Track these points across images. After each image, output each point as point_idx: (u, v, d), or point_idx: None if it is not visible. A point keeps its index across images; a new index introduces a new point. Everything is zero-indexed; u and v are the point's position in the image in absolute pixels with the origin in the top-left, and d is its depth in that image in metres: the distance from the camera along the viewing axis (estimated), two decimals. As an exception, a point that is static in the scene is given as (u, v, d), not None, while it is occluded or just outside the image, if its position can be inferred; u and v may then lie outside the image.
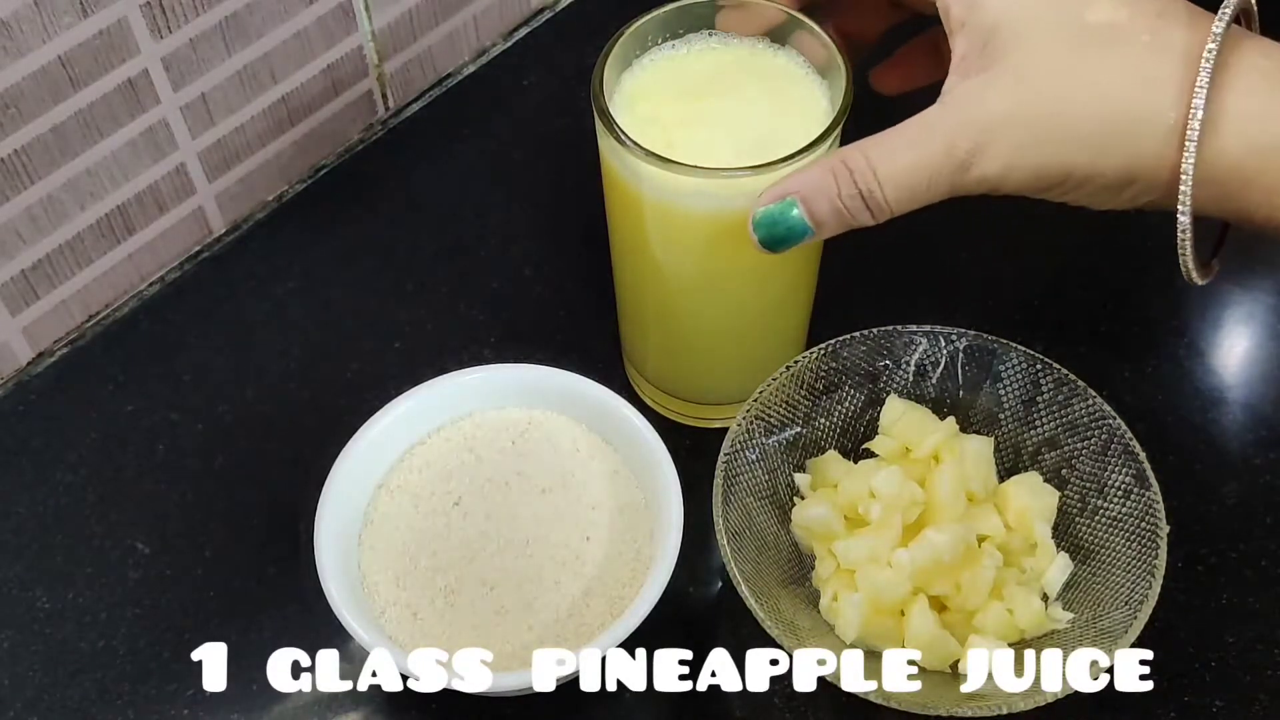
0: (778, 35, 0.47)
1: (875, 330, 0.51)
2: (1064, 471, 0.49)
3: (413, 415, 0.49)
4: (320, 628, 0.47)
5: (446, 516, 0.48)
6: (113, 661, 0.48)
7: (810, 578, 0.48)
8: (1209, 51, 0.37)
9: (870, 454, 0.51)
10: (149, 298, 0.59)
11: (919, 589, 0.46)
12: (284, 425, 0.54)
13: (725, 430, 0.48)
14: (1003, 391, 0.51)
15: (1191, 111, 0.37)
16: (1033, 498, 0.48)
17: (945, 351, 0.51)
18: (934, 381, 0.52)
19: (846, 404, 0.52)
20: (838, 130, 0.44)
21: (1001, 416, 0.51)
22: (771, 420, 0.50)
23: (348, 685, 0.47)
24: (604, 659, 0.43)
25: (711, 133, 0.45)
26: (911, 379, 0.52)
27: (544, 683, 0.43)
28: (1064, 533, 0.49)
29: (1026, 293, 0.51)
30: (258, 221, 0.61)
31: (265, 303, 0.58)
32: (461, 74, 0.67)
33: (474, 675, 0.43)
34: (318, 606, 0.44)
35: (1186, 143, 0.38)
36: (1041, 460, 0.50)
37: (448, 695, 0.45)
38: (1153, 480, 0.47)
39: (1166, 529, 0.45)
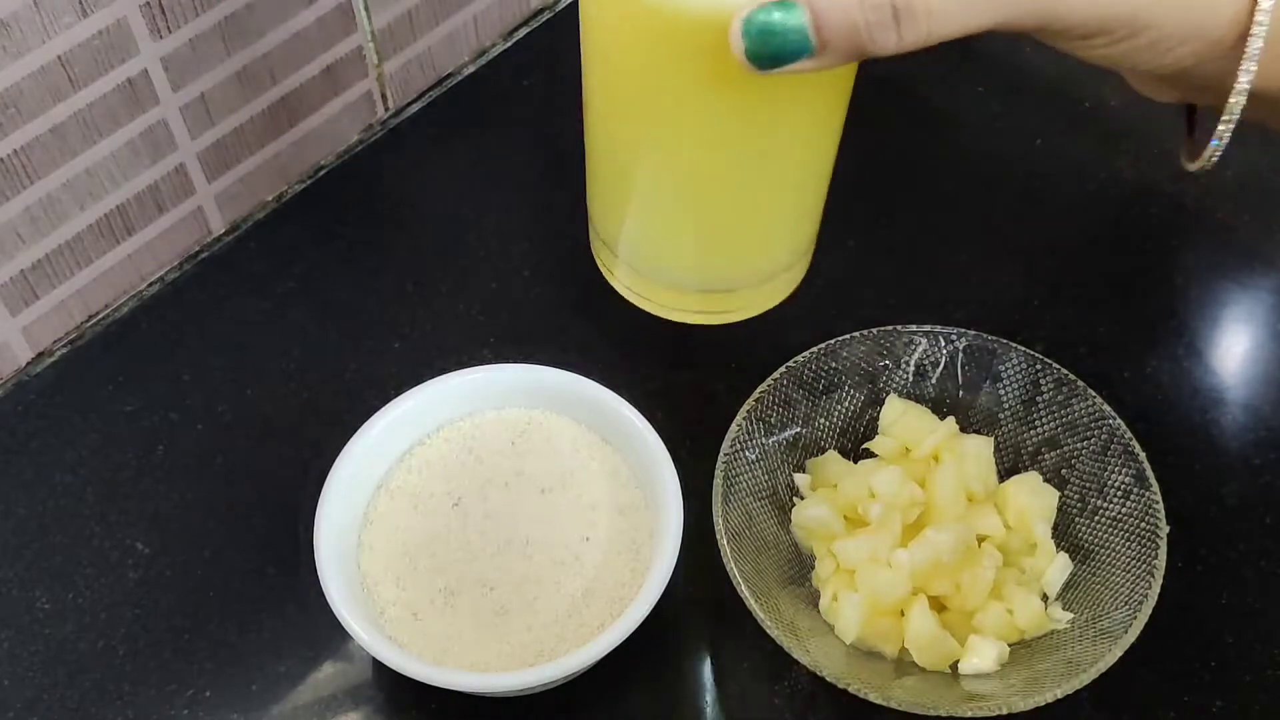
0: None
1: (875, 330, 0.51)
2: (1064, 471, 0.49)
3: (412, 415, 0.49)
4: (320, 628, 0.47)
5: (446, 517, 0.48)
6: (112, 662, 0.48)
7: (810, 578, 0.48)
8: None
9: (870, 454, 0.51)
10: (148, 298, 0.59)
11: (919, 589, 0.46)
12: (284, 425, 0.54)
13: (714, 326, 0.44)
14: (1002, 391, 0.51)
15: None
16: (1032, 498, 0.49)
17: (945, 351, 0.51)
18: (934, 381, 0.52)
19: (846, 404, 0.52)
20: None
21: (1001, 416, 0.51)
22: (771, 420, 0.50)
23: (347, 685, 0.47)
24: (604, 659, 0.43)
25: None
26: (911, 379, 0.52)
27: (544, 683, 0.43)
28: (1064, 533, 0.49)
29: (1026, 293, 0.51)
30: (257, 222, 0.61)
31: (265, 303, 0.58)
32: (461, 74, 0.67)
33: (473, 676, 0.43)
34: (317, 606, 0.44)
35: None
36: (1041, 460, 0.50)
37: (447, 695, 0.45)
38: (1152, 480, 0.47)
39: (1166, 529, 0.45)
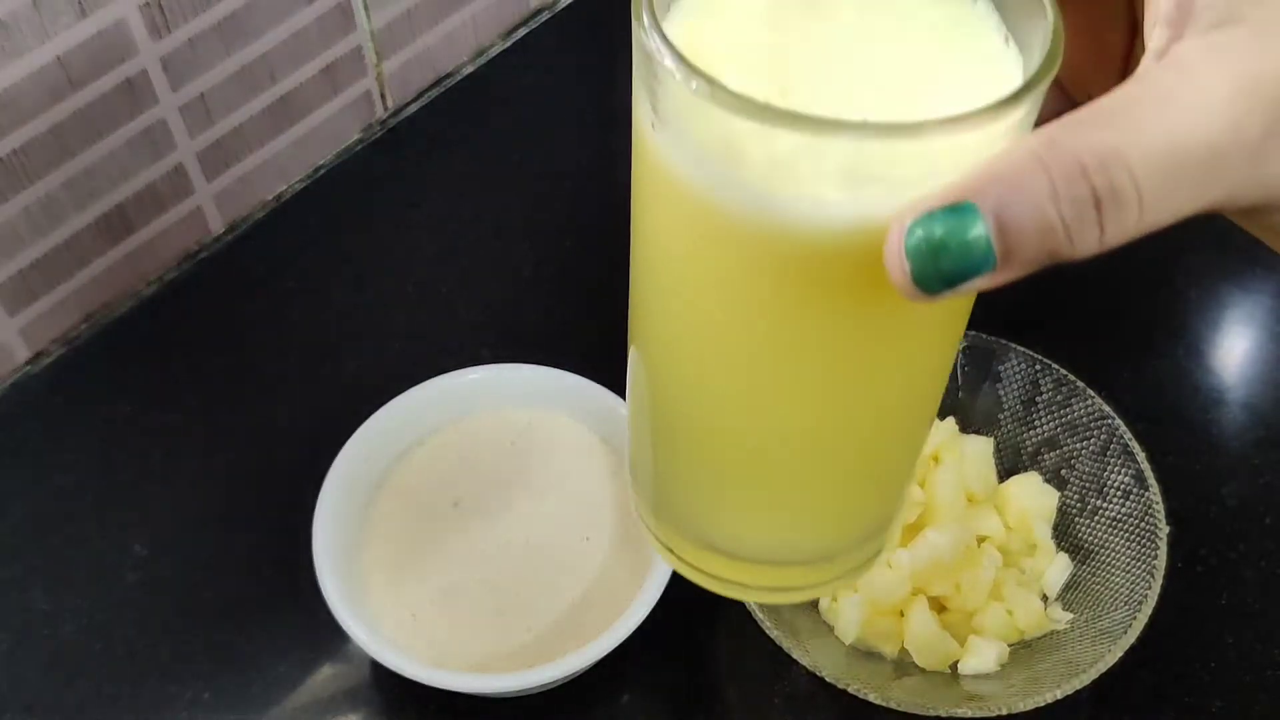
0: None
1: None
2: (1064, 472, 0.49)
3: (412, 415, 0.49)
4: (319, 628, 0.47)
5: (445, 517, 0.47)
6: (111, 663, 0.48)
7: None
8: None
9: None
10: (147, 298, 0.59)
11: (918, 589, 0.46)
12: (282, 425, 0.54)
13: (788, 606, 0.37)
14: (1002, 392, 0.51)
15: None
16: (1032, 498, 0.48)
17: None
18: None
19: None
20: (1050, 78, 0.25)
21: (1001, 417, 0.51)
22: None
23: (346, 686, 0.47)
24: (604, 659, 0.43)
25: (828, 81, 0.26)
26: None
27: (543, 683, 0.43)
28: (1064, 533, 0.49)
29: (1026, 293, 0.51)
30: (256, 222, 0.61)
31: (264, 303, 0.58)
32: (460, 74, 0.67)
33: (473, 677, 0.43)
34: (316, 607, 0.44)
35: None
36: (1041, 460, 0.50)
37: (447, 696, 0.45)
38: (1152, 481, 0.47)
39: (1166, 529, 0.45)
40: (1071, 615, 0.46)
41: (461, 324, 0.57)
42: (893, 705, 0.42)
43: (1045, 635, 0.46)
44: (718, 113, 0.23)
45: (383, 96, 0.64)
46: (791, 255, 0.26)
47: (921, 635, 0.45)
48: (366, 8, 0.60)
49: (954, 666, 0.46)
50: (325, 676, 0.47)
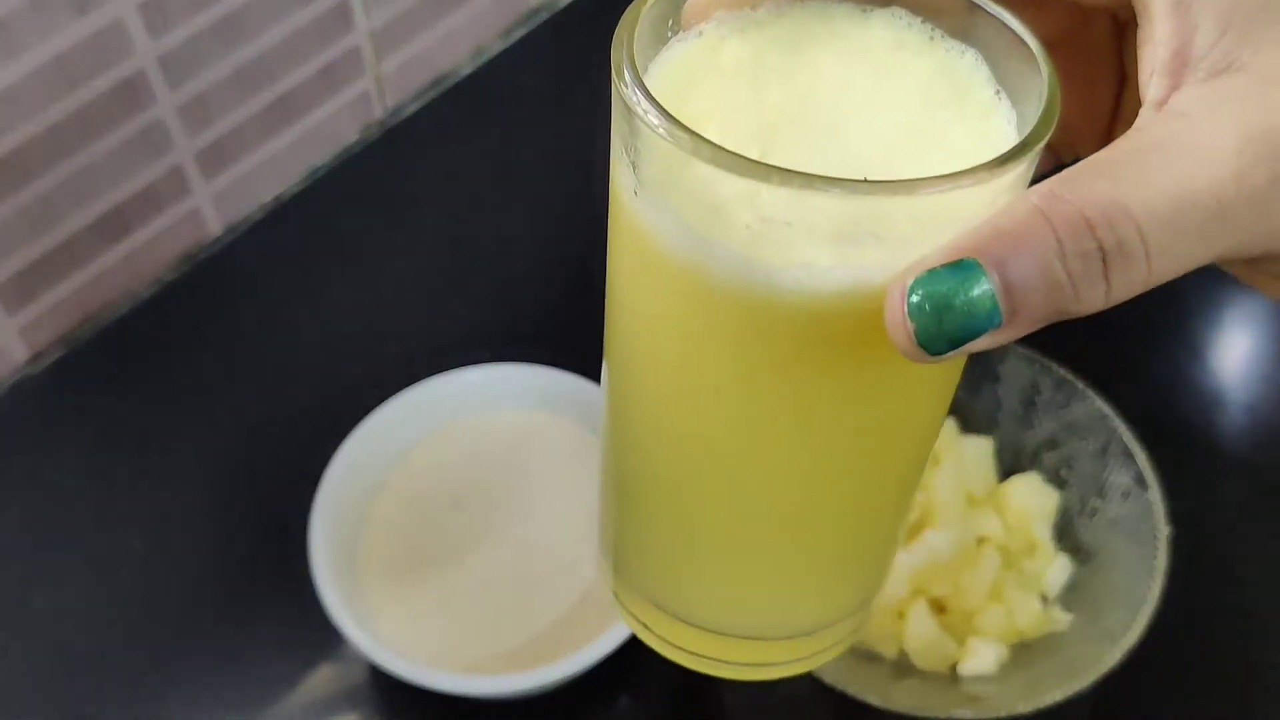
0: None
1: None
2: (1063, 472, 0.49)
3: (410, 415, 0.49)
4: (317, 629, 0.47)
5: (444, 517, 0.47)
6: (109, 662, 0.48)
7: None
8: None
9: None
10: (146, 298, 0.58)
11: (918, 590, 0.46)
12: (281, 425, 0.54)
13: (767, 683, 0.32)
14: (1002, 392, 0.51)
15: None
16: (1032, 499, 0.48)
17: None
18: None
19: None
20: (1048, 135, 0.24)
21: (1001, 417, 0.51)
22: None
23: (344, 686, 0.47)
24: (602, 661, 0.43)
25: (815, 139, 0.25)
26: None
27: (542, 685, 0.43)
28: (1063, 534, 0.49)
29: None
30: (255, 222, 0.61)
31: (262, 303, 0.58)
32: (458, 74, 0.67)
33: (470, 679, 0.43)
34: (315, 608, 0.44)
35: None
36: (1041, 461, 0.50)
37: (444, 697, 0.45)
38: (1152, 481, 0.47)
39: (1166, 530, 0.45)
40: (1071, 616, 0.46)
41: (461, 324, 0.57)
42: (892, 707, 0.42)
43: (1045, 636, 0.46)
44: (704, 169, 0.22)
45: (381, 97, 0.64)
46: (781, 322, 0.24)
47: (921, 636, 0.45)
48: (365, 8, 0.60)
49: (954, 668, 0.46)
50: (323, 676, 0.47)
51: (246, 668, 0.48)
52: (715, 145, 0.22)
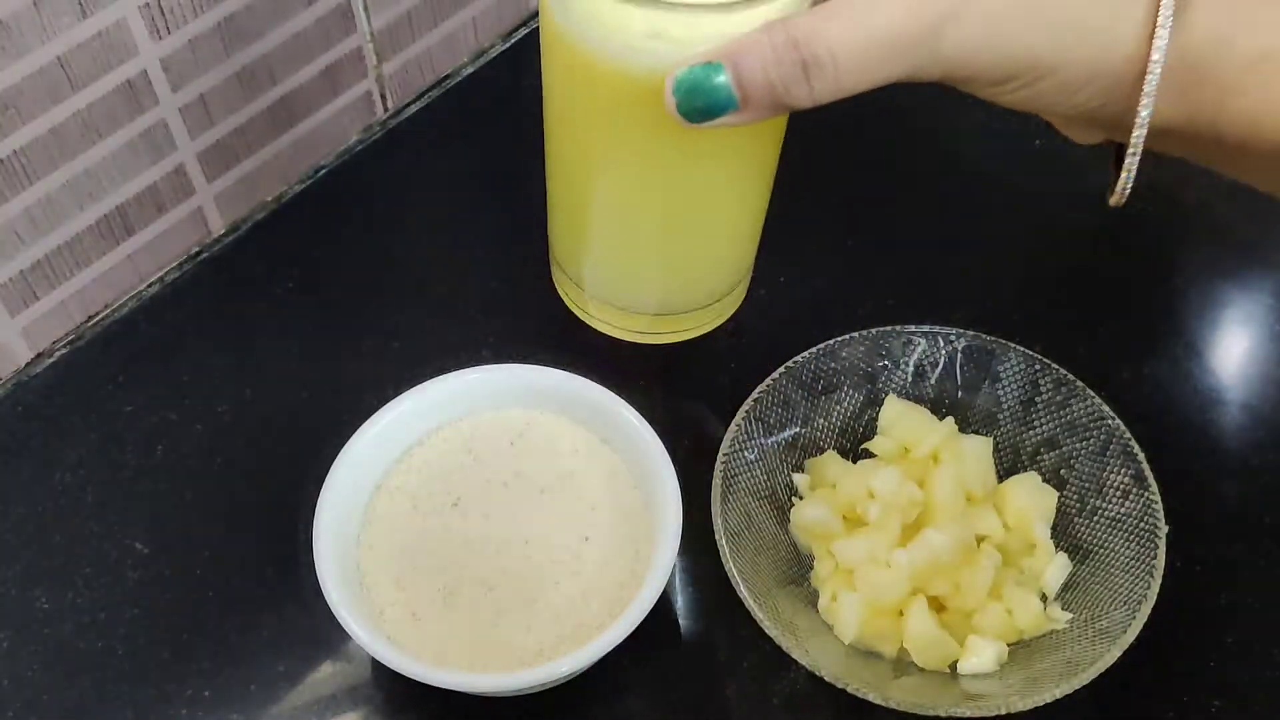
0: None
1: (874, 330, 0.51)
2: (1063, 472, 0.49)
3: (411, 415, 0.49)
4: (319, 628, 0.47)
5: (445, 517, 0.48)
6: (111, 662, 0.48)
7: (809, 578, 0.48)
8: None
9: (869, 454, 0.51)
10: (148, 298, 0.59)
11: (918, 589, 0.46)
12: (283, 425, 0.54)
13: (670, 346, 0.49)
14: (1001, 392, 0.51)
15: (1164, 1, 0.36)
16: (1031, 498, 0.49)
17: (944, 352, 0.51)
18: (933, 382, 0.52)
19: (845, 404, 0.52)
20: None
21: (1000, 417, 0.51)
22: (770, 421, 0.50)
23: (346, 685, 0.47)
24: (603, 659, 0.43)
25: None
26: (910, 379, 0.52)
27: (543, 683, 0.43)
28: (1063, 533, 0.49)
29: (1026, 293, 0.51)
30: (257, 222, 0.61)
31: (264, 303, 0.58)
32: (460, 75, 0.67)
33: (472, 676, 0.43)
34: (316, 607, 0.44)
35: (1158, 31, 0.36)
36: (1040, 460, 0.50)
37: (446, 695, 0.45)
38: (1151, 480, 0.47)
39: (1165, 529, 0.45)
40: (1071, 615, 0.46)
41: (461, 324, 0.57)
42: (892, 705, 0.42)
43: (1044, 635, 0.46)
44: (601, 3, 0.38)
45: (383, 98, 0.64)
46: (624, 85, 0.40)
47: (921, 635, 0.45)
48: (366, 9, 0.60)
49: (953, 666, 0.46)
50: (325, 675, 0.48)
51: (249, 666, 0.48)
52: None
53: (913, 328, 0.51)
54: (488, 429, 0.50)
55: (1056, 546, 0.48)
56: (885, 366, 0.51)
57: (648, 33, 0.38)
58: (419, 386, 0.49)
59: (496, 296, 0.58)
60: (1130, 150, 0.39)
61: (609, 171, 0.44)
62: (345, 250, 0.60)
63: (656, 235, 0.47)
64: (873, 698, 0.42)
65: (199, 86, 0.55)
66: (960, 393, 0.52)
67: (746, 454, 0.48)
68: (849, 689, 0.42)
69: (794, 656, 0.43)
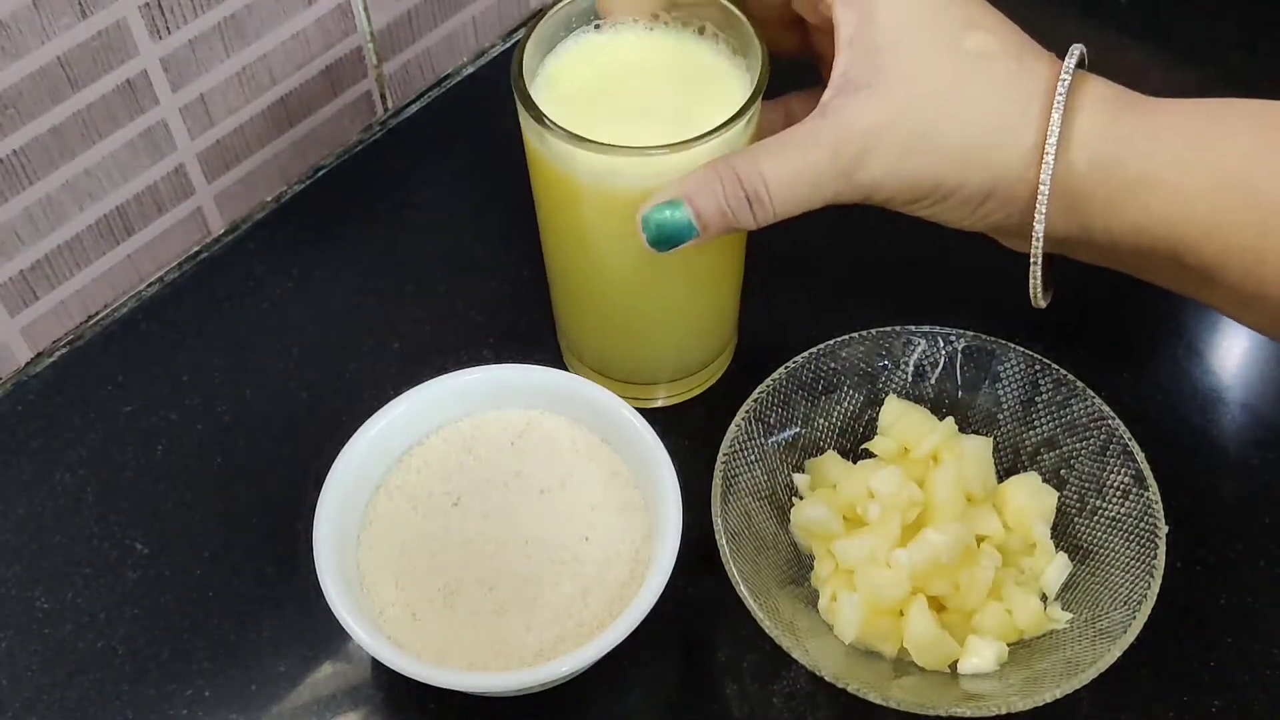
0: (698, 16, 0.48)
1: (874, 331, 0.51)
2: (1063, 472, 0.49)
3: (411, 416, 0.49)
4: (319, 628, 0.47)
5: (445, 517, 0.48)
6: (111, 662, 0.48)
7: (809, 578, 0.48)
8: (1063, 80, 0.42)
9: (869, 454, 0.51)
10: (148, 298, 0.59)
11: (918, 589, 0.46)
12: (283, 425, 0.54)
13: (664, 409, 0.52)
14: (1001, 392, 0.51)
15: (1050, 129, 0.42)
16: (1031, 498, 0.49)
17: (944, 352, 0.51)
18: (933, 382, 0.52)
19: (845, 405, 0.52)
20: (752, 110, 0.44)
21: (1000, 417, 0.51)
22: (770, 421, 0.50)
23: (346, 685, 0.47)
24: (603, 659, 0.43)
25: (632, 114, 0.46)
26: (910, 379, 0.52)
27: (543, 683, 0.43)
28: (1063, 533, 0.49)
29: (1026, 294, 0.51)
30: (257, 222, 0.61)
31: (264, 303, 0.58)
32: (460, 75, 0.67)
33: (472, 675, 0.43)
34: (317, 607, 0.44)
35: (1045, 155, 0.42)
36: (1040, 460, 0.50)
37: (447, 695, 0.45)
38: (1151, 480, 0.47)
39: (1165, 529, 0.45)
40: (1070, 615, 0.46)
41: (461, 324, 0.57)
42: (892, 705, 0.42)
43: (1044, 635, 0.46)
44: (567, 145, 0.44)
45: (383, 97, 0.64)
46: (595, 201, 0.46)
47: (921, 635, 0.45)
48: (366, 9, 0.60)
49: (953, 666, 0.46)
50: (326, 675, 0.48)
51: (249, 666, 0.48)
52: (562, 128, 0.44)
53: (913, 328, 0.51)
54: (488, 429, 0.50)
55: (1056, 546, 0.48)
56: (885, 366, 0.51)
57: (608, 170, 0.44)
58: (419, 386, 0.49)
59: (496, 296, 0.58)
60: (1032, 258, 0.45)
61: (588, 264, 0.50)
62: (345, 250, 0.60)
63: (639, 318, 0.51)
64: (873, 697, 0.42)
65: (199, 86, 0.55)
66: (960, 393, 0.52)
67: (746, 454, 0.48)
68: (849, 689, 0.42)
69: (794, 656, 0.43)
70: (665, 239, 0.43)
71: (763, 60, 0.45)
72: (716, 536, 0.45)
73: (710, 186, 0.43)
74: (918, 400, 0.52)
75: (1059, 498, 0.49)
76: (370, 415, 0.48)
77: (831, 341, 0.51)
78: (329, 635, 0.47)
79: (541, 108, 0.44)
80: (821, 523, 0.48)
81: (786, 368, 0.50)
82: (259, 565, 0.50)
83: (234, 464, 0.53)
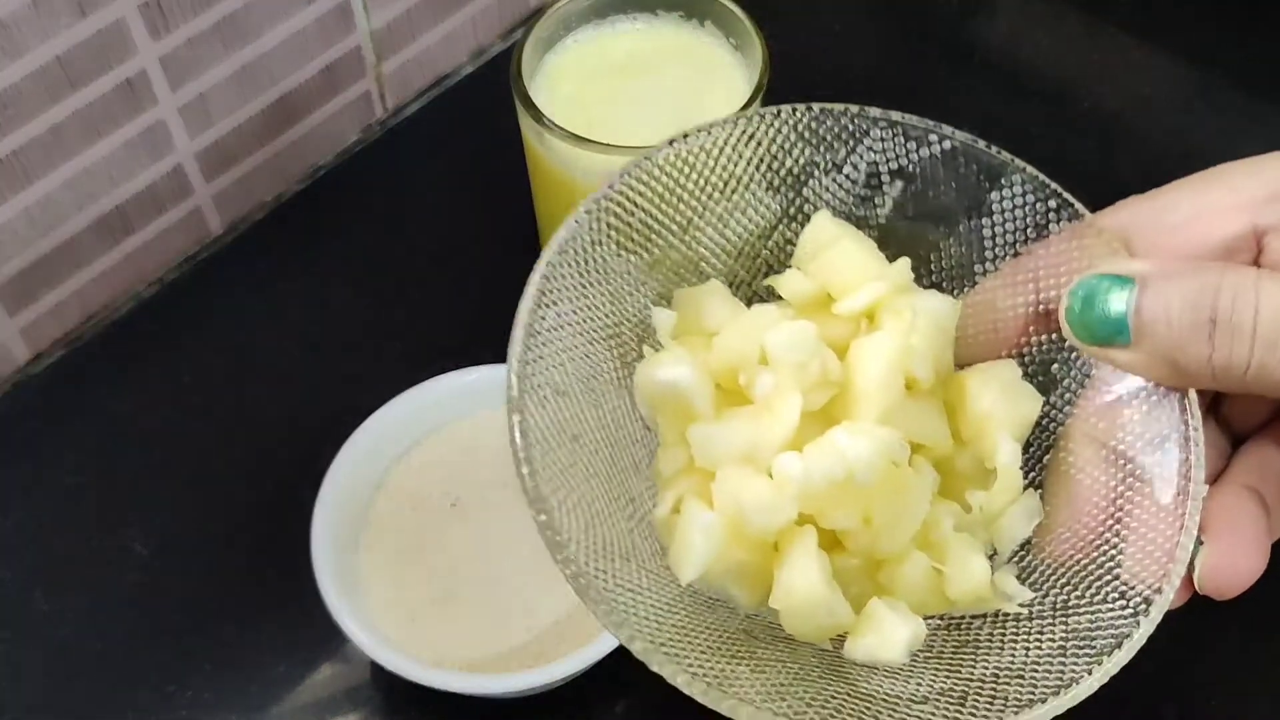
0: (698, 12, 0.47)
1: (813, 107, 0.33)
2: (1056, 367, 0.33)
3: (410, 416, 0.49)
4: (318, 629, 0.47)
5: (444, 518, 0.47)
6: (111, 663, 0.48)
7: (649, 470, 0.32)
8: None
9: (773, 295, 0.34)
10: (147, 298, 0.59)
11: (807, 518, 0.30)
12: (282, 426, 0.54)
13: None
14: (993, 231, 0.34)
15: None
16: (1002, 398, 0.32)
17: (916, 155, 0.33)
18: (891, 198, 0.34)
19: (749, 213, 0.34)
20: (755, 105, 0.43)
21: (982, 270, 0.34)
22: (632, 221, 0.32)
23: (346, 686, 0.47)
24: (602, 660, 0.43)
25: (632, 111, 0.45)
26: (858, 191, 0.34)
27: (542, 684, 0.43)
28: (1038, 462, 0.33)
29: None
30: (256, 222, 0.61)
31: (263, 304, 0.58)
32: (459, 74, 0.67)
33: (471, 677, 0.43)
34: (316, 608, 0.44)
35: None
36: (1027, 346, 0.33)
37: (446, 697, 0.45)
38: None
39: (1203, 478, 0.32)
40: (1031, 594, 0.31)
41: (461, 324, 0.57)
42: (697, 696, 0.27)
43: (987, 620, 0.30)
44: (567, 145, 0.44)
45: (382, 97, 0.64)
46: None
47: (801, 588, 0.29)
48: (365, 8, 0.60)
49: (838, 641, 0.30)
50: (325, 676, 0.48)
51: (248, 668, 0.48)
52: (561, 128, 0.43)
53: (875, 112, 0.33)
54: (488, 429, 0.50)
55: (1027, 480, 0.32)
56: (819, 164, 0.33)
57: (608, 170, 0.33)
58: (419, 386, 0.49)
59: (496, 297, 0.58)
60: None
61: None
62: (344, 250, 0.60)
63: None
64: (680, 682, 0.26)
65: (198, 86, 0.55)
66: (930, 224, 0.34)
67: (588, 264, 0.33)
68: (653, 664, 0.27)
69: (564, 574, 0.28)
70: (1087, 323, 0.29)
71: (763, 60, 0.45)
72: (508, 390, 0.30)
73: (1180, 277, 0.28)
74: (862, 224, 0.34)
75: (1044, 405, 0.33)
76: (369, 415, 0.48)
77: (741, 114, 0.33)
78: (328, 637, 0.47)
79: (541, 108, 0.44)
80: (679, 391, 0.31)
81: (671, 141, 0.32)
82: (258, 566, 0.50)
83: (233, 464, 0.53)
